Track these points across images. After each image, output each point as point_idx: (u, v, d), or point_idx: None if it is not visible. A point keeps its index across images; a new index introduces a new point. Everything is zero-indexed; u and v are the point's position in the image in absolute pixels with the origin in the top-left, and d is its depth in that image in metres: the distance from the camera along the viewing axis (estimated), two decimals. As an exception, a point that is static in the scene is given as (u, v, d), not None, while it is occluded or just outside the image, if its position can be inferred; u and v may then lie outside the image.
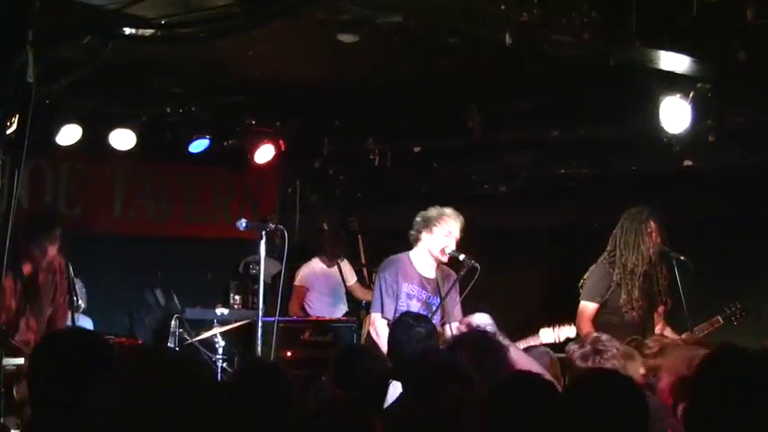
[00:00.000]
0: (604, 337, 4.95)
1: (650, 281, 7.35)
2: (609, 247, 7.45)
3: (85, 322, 8.08)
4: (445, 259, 7.09)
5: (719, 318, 7.34)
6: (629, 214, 7.42)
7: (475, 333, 5.09)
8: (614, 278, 7.33)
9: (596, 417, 3.28)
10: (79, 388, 3.15)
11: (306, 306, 9.60)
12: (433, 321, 6.81)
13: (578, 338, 5.37)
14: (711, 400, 3.09)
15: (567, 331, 7.16)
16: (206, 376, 2.27)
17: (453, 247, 7.05)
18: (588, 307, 7.37)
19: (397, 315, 6.74)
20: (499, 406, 3.52)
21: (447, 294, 6.99)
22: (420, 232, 7.11)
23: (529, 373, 4.32)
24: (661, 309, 7.45)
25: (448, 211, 7.09)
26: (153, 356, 2.32)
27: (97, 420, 2.14)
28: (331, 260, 9.75)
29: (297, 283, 9.60)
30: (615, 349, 4.82)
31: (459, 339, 4.98)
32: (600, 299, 7.36)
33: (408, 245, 7.20)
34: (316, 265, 9.73)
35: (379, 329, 6.90)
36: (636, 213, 7.39)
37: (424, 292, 7.11)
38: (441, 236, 7.04)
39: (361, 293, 9.82)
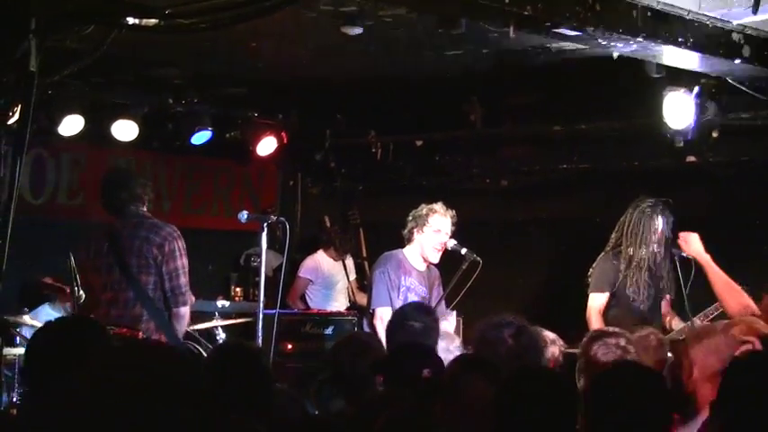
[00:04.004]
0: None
1: (655, 274, 7.34)
2: (614, 236, 7.41)
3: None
4: (435, 259, 7.13)
5: (718, 305, 7.29)
6: (640, 206, 7.36)
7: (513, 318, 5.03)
8: (621, 268, 7.30)
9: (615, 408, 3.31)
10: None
11: (307, 298, 9.59)
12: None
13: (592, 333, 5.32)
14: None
15: None
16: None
17: (454, 241, 7.07)
18: (598, 299, 7.33)
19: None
20: (512, 399, 3.51)
21: (441, 298, 7.07)
22: (412, 232, 7.16)
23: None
24: (668, 297, 7.44)
25: (436, 207, 7.12)
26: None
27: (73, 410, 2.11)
28: (339, 255, 9.72)
29: (300, 274, 9.57)
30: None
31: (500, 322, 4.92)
32: (609, 288, 7.32)
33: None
34: (321, 257, 9.71)
35: None
36: (646, 207, 7.33)
37: (421, 287, 7.15)
38: (430, 233, 7.08)
39: (357, 295, 9.79)
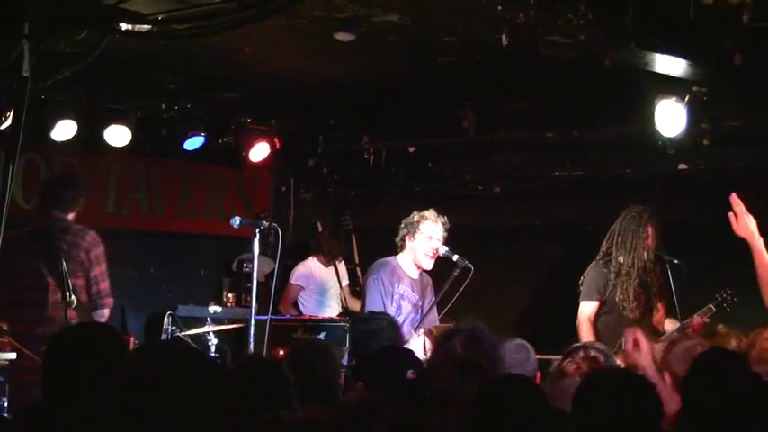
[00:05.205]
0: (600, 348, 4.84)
1: (645, 282, 7.37)
2: (605, 245, 7.45)
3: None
4: (428, 266, 7.14)
5: (711, 306, 7.33)
6: (629, 214, 7.41)
7: (468, 325, 4.98)
8: (611, 277, 7.34)
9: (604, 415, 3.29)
10: (92, 379, 3.24)
11: (299, 304, 9.60)
12: (416, 322, 7.01)
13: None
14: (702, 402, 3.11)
15: None
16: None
17: (446, 248, 7.09)
18: (588, 306, 7.37)
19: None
20: (485, 407, 3.48)
21: (432, 305, 7.11)
22: (404, 239, 7.19)
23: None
24: (660, 305, 7.47)
25: (428, 213, 7.15)
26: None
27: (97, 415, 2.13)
28: (329, 260, 9.74)
29: (292, 281, 9.59)
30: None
31: (452, 331, 4.89)
32: (598, 296, 7.36)
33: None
34: (312, 263, 9.72)
35: None
36: (635, 215, 7.38)
37: (414, 294, 7.16)
38: (422, 240, 7.11)
39: (350, 300, 9.79)
